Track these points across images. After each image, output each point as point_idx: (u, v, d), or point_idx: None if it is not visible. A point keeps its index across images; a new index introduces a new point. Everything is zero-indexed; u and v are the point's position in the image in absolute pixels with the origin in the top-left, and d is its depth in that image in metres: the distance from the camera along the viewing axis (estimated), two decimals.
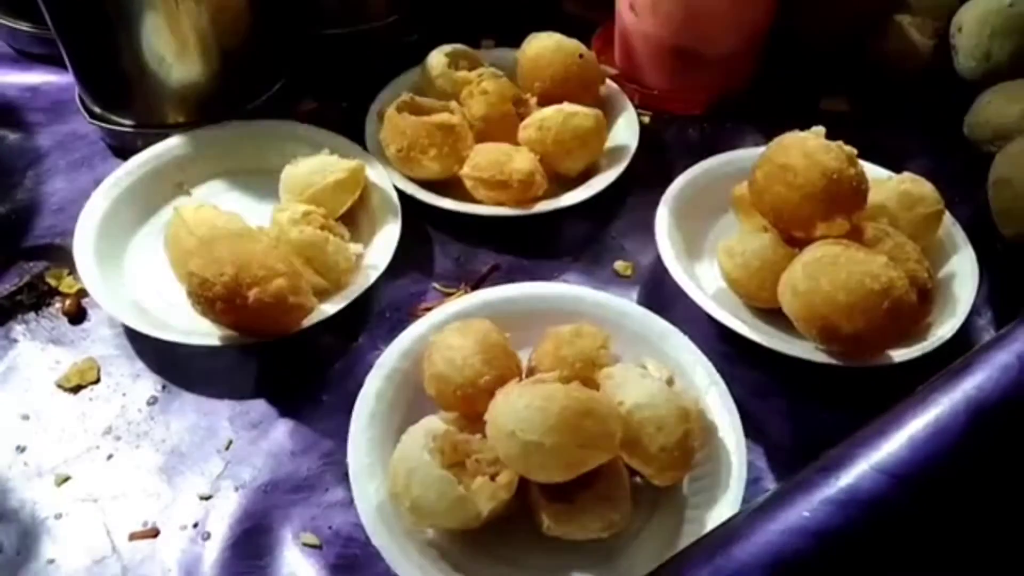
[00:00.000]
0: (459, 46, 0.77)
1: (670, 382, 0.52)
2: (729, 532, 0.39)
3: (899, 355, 0.56)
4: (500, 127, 0.71)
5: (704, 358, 0.55)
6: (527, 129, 0.70)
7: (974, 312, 0.59)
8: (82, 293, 0.63)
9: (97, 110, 0.74)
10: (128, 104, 0.73)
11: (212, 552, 0.50)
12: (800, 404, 0.57)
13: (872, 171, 0.63)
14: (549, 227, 0.69)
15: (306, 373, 0.59)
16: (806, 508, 0.38)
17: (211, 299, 0.54)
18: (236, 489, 0.53)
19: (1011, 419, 0.40)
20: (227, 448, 0.55)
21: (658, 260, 0.62)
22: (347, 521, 0.51)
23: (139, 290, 0.62)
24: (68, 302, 0.63)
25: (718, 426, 0.52)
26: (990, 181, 0.68)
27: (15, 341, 0.61)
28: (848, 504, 0.38)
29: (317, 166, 0.65)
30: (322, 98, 0.80)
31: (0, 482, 0.53)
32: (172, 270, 0.62)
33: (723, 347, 0.59)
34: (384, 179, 0.68)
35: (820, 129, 0.60)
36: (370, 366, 0.55)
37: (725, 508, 0.48)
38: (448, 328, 0.53)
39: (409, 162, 0.68)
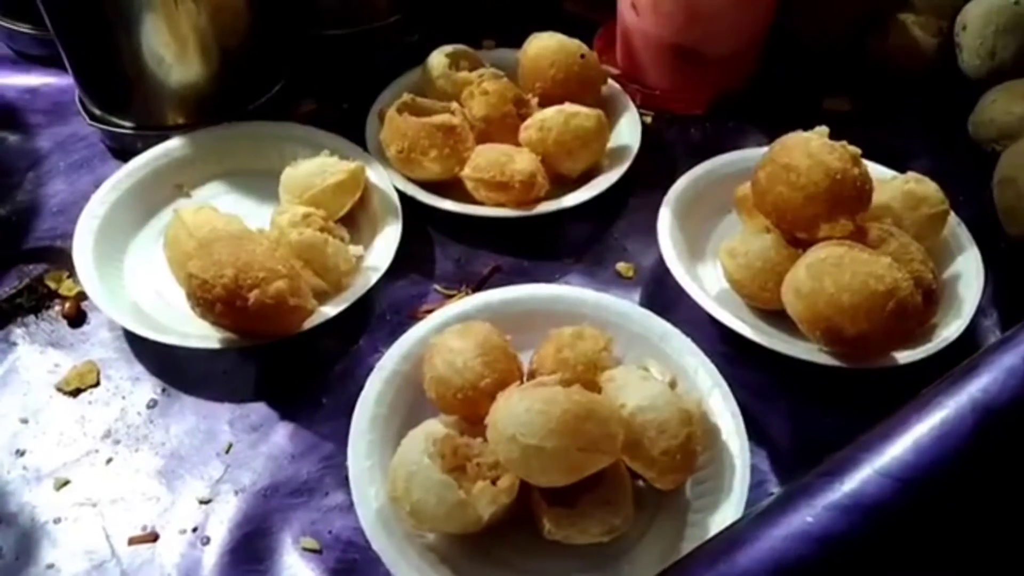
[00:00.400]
0: (460, 46, 0.76)
1: (673, 384, 0.52)
2: (732, 537, 0.39)
3: (904, 357, 0.55)
4: (501, 128, 0.70)
5: (707, 360, 0.54)
6: (528, 130, 0.69)
7: (979, 313, 0.59)
8: (82, 296, 0.62)
9: (97, 112, 0.74)
10: (128, 106, 0.72)
11: (212, 557, 0.50)
12: (804, 406, 0.57)
13: (876, 171, 0.62)
14: (550, 228, 0.68)
15: (306, 376, 0.59)
16: (809, 513, 0.37)
17: (211, 301, 0.54)
18: (236, 493, 0.53)
19: (1018, 422, 0.40)
20: (227, 451, 0.55)
21: (660, 261, 0.62)
22: (347, 525, 0.51)
23: (139, 292, 0.62)
24: (68, 305, 0.62)
25: (721, 429, 0.52)
26: (995, 180, 0.67)
27: (14, 344, 0.60)
28: (852, 509, 0.37)
29: (317, 168, 0.64)
30: (322, 99, 0.80)
31: None
32: (172, 272, 0.61)
33: (726, 349, 0.58)
34: (384, 180, 0.68)
35: (823, 129, 0.59)
36: (370, 368, 0.54)
37: (728, 512, 0.48)
38: (448, 330, 0.53)
39: (410, 163, 0.68)
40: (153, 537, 0.51)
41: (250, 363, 0.59)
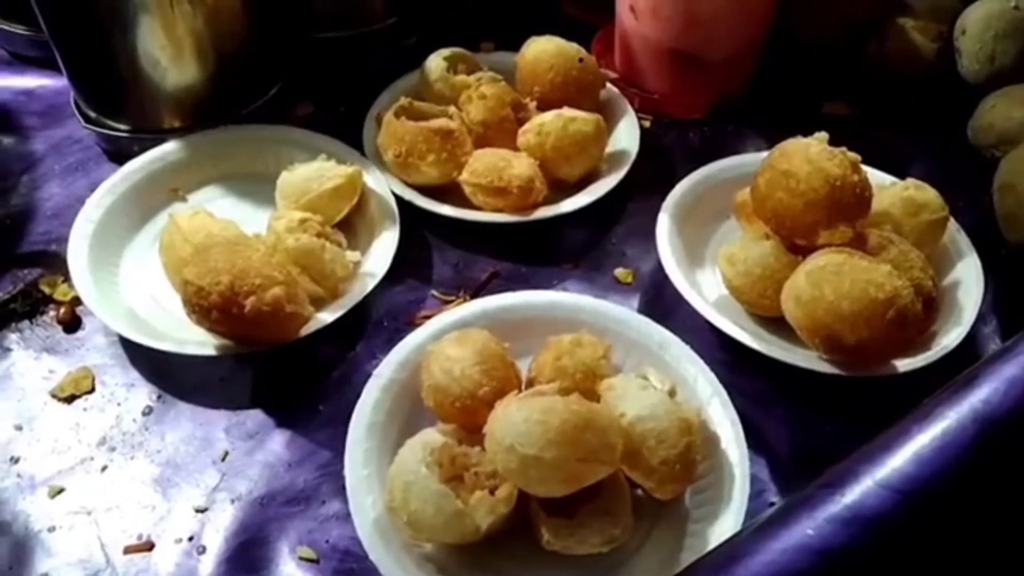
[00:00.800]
0: (458, 50, 0.76)
1: (672, 393, 0.51)
2: (731, 551, 0.39)
3: (904, 365, 0.55)
4: (499, 132, 0.70)
5: (706, 368, 0.54)
6: (526, 134, 0.69)
7: (979, 320, 0.59)
8: (76, 301, 0.62)
9: (92, 114, 0.73)
10: (123, 108, 0.72)
11: (207, 566, 0.49)
12: (803, 414, 0.57)
13: (875, 177, 0.62)
14: (549, 234, 0.68)
15: (303, 383, 0.58)
16: (810, 526, 0.37)
17: (207, 308, 0.54)
18: (232, 501, 0.52)
19: (1019, 433, 0.40)
20: (223, 459, 0.54)
21: (659, 267, 0.61)
22: (344, 535, 0.50)
23: (134, 298, 0.62)
24: (62, 310, 0.62)
25: (720, 437, 0.52)
26: (994, 186, 0.67)
27: (9, 350, 0.60)
28: (852, 522, 0.37)
29: (314, 172, 0.64)
30: (319, 102, 0.79)
31: None
32: (167, 278, 0.61)
33: (725, 356, 0.58)
34: (382, 185, 0.67)
35: (823, 135, 0.59)
36: (368, 375, 0.54)
37: (728, 522, 0.48)
38: (446, 338, 0.52)
39: (407, 168, 0.67)
40: (148, 546, 0.50)
41: (246, 370, 0.59)
